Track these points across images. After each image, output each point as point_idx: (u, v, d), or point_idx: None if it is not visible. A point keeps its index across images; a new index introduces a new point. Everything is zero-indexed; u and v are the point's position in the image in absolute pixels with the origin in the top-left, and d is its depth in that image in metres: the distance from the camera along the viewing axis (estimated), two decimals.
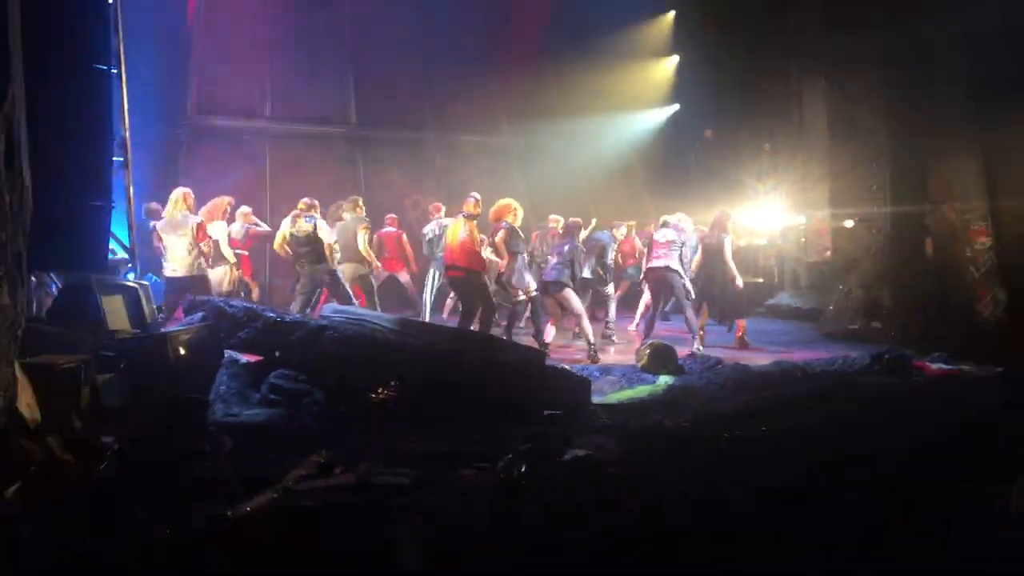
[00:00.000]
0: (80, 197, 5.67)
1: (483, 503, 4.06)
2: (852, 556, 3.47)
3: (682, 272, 9.63)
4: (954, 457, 4.64)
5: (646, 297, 11.50)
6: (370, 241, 10.75)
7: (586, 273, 10.30)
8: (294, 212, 9.34)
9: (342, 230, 10.36)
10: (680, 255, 9.66)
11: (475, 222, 9.20)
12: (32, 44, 4.60)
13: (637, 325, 11.66)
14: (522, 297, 9.60)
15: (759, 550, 3.53)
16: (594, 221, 12.25)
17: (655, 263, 9.76)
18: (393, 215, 12.47)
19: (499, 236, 9.34)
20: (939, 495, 4.07)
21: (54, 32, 5.37)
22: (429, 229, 11.84)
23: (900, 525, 3.78)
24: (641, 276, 11.00)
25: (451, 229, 9.37)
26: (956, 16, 11.88)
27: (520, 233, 9.61)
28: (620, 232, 12.44)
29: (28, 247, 4.19)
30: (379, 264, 11.22)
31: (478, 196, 9.44)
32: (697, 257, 10.21)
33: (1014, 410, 6.00)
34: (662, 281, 9.78)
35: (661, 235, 9.84)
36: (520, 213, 9.59)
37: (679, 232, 9.85)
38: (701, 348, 9.35)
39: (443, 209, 11.87)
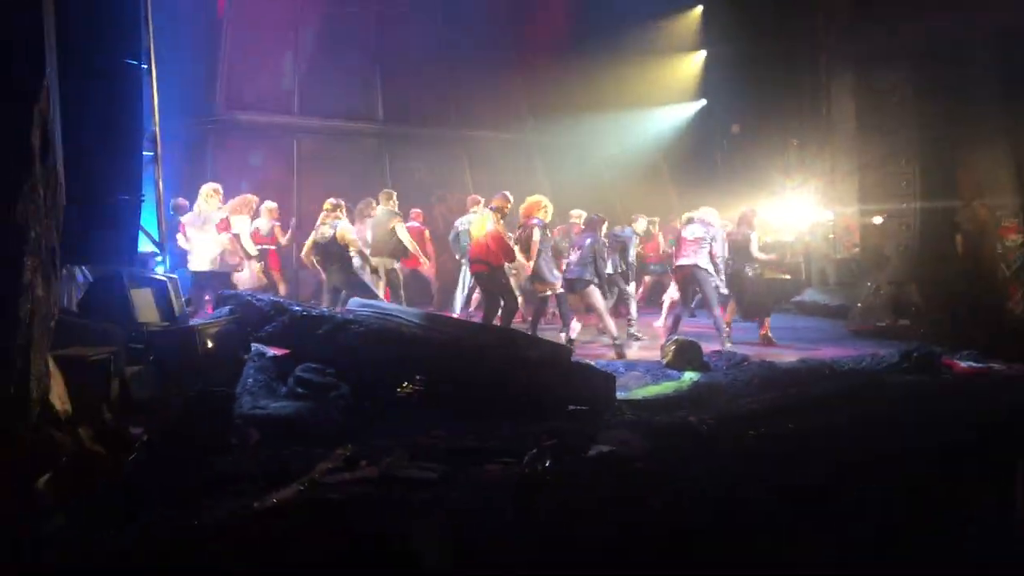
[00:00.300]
0: (110, 191, 5.74)
1: (507, 498, 4.07)
2: (869, 556, 3.45)
3: (711, 270, 9.54)
4: (981, 456, 4.59)
5: (671, 293, 11.49)
6: None
7: (608, 269, 10.27)
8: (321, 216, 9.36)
9: (375, 223, 10.39)
10: (710, 251, 9.57)
11: (501, 218, 9.20)
12: (65, 40, 4.65)
13: (665, 320, 11.63)
14: (548, 292, 9.61)
15: (777, 549, 3.51)
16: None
17: (683, 261, 9.70)
18: (419, 210, 12.49)
19: (534, 235, 9.32)
20: (964, 494, 4.02)
21: (86, 28, 5.42)
22: (463, 221, 11.64)
23: (922, 524, 3.75)
24: (669, 272, 10.97)
25: (477, 223, 9.38)
26: (987, 10, 11.74)
27: (547, 230, 9.62)
28: (639, 226, 12.37)
29: (64, 242, 4.25)
30: (425, 259, 11.20)
31: (509, 195, 9.45)
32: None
33: None
34: (690, 278, 9.71)
35: (689, 232, 9.78)
36: (550, 209, 9.60)
37: (707, 227, 9.73)
38: (729, 345, 9.30)
39: (482, 202, 11.79)
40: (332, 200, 9.35)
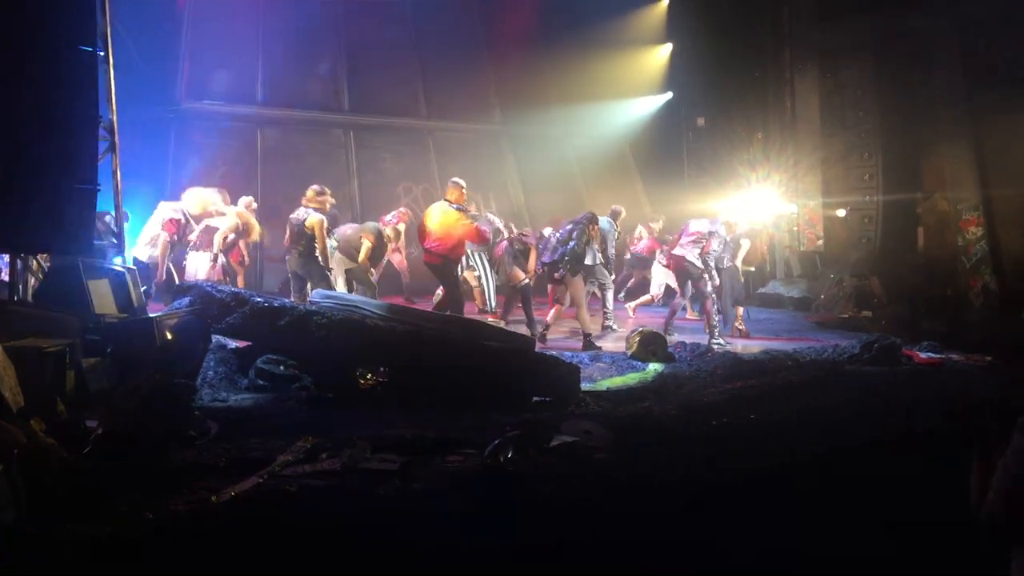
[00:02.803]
0: (66, 180, 5.63)
1: (469, 489, 4.06)
2: (823, 540, 3.48)
3: (699, 264, 9.52)
4: (936, 444, 4.64)
5: (654, 288, 11.77)
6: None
7: (588, 260, 10.26)
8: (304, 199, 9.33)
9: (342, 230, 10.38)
10: (704, 248, 9.56)
11: (457, 208, 9.22)
12: (15, 24, 4.56)
13: (634, 309, 11.74)
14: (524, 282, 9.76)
15: (732, 536, 3.53)
16: (660, 221, 12.59)
17: (677, 251, 9.77)
18: (405, 209, 12.34)
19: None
20: (915, 480, 4.07)
21: (37, 13, 5.32)
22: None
23: (877, 510, 3.80)
24: (666, 262, 11.01)
25: (431, 214, 9.32)
26: (950, 5, 11.87)
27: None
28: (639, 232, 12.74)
29: (12, 229, 4.16)
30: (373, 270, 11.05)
31: (462, 183, 9.42)
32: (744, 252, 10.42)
33: (996, 399, 6.01)
34: (682, 271, 9.80)
35: (694, 224, 9.83)
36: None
37: (713, 226, 9.77)
38: (721, 342, 9.29)
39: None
40: (316, 187, 9.34)
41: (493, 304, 10.98)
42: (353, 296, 7.63)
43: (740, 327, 10.22)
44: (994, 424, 2.07)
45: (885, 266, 12.85)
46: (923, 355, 8.42)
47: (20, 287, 6.00)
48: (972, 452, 2.10)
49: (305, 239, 9.05)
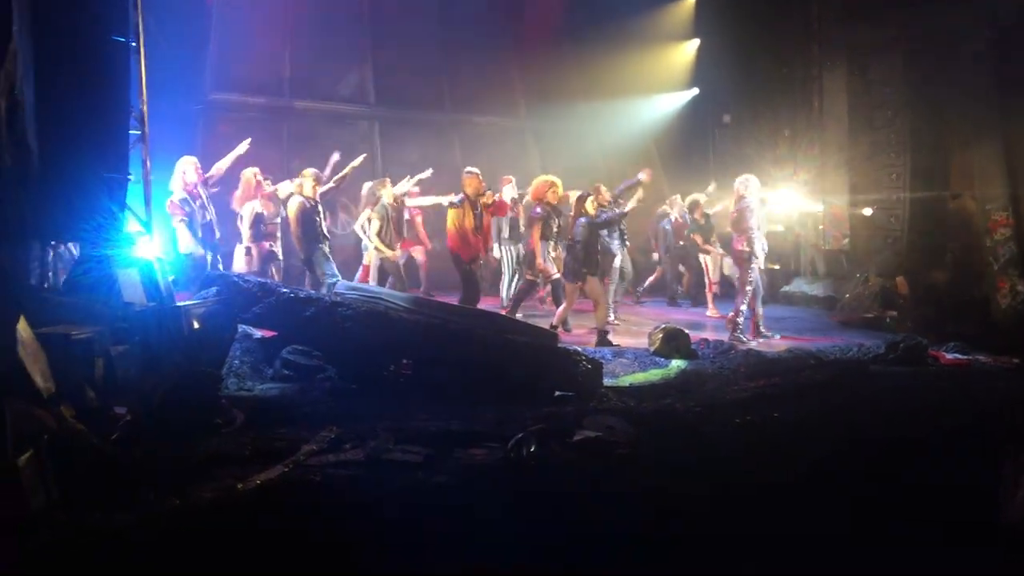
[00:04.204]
0: (96, 169, 5.69)
1: (491, 482, 4.07)
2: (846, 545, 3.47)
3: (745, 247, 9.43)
4: (964, 447, 4.61)
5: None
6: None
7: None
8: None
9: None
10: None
11: (468, 203, 9.28)
12: (51, 14, 4.60)
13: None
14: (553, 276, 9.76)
15: (755, 535, 3.53)
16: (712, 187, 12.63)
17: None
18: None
19: (534, 233, 9.57)
20: (942, 483, 4.04)
21: (73, 3, 5.37)
22: None
23: (897, 513, 3.78)
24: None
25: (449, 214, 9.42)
26: (981, 3, 11.73)
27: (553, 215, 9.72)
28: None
29: (44, 217, 4.21)
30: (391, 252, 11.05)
31: (477, 171, 9.47)
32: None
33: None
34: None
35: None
36: (560, 189, 9.72)
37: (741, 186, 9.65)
38: (745, 338, 9.31)
39: (513, 181, 11.54)
40: (312, 170, 9.66)
41: (506, 296, 11.07)
42: (378, 288, 7.67)
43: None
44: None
45: (911, 266, 12.72)
46: (949, 356, 8.35)
47: (50, 275, 6.07)
48: (1004, 456, 2.09)
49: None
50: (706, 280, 12.27)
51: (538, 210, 9.63)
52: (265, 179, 10.26)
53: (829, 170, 14.16)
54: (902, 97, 13.14)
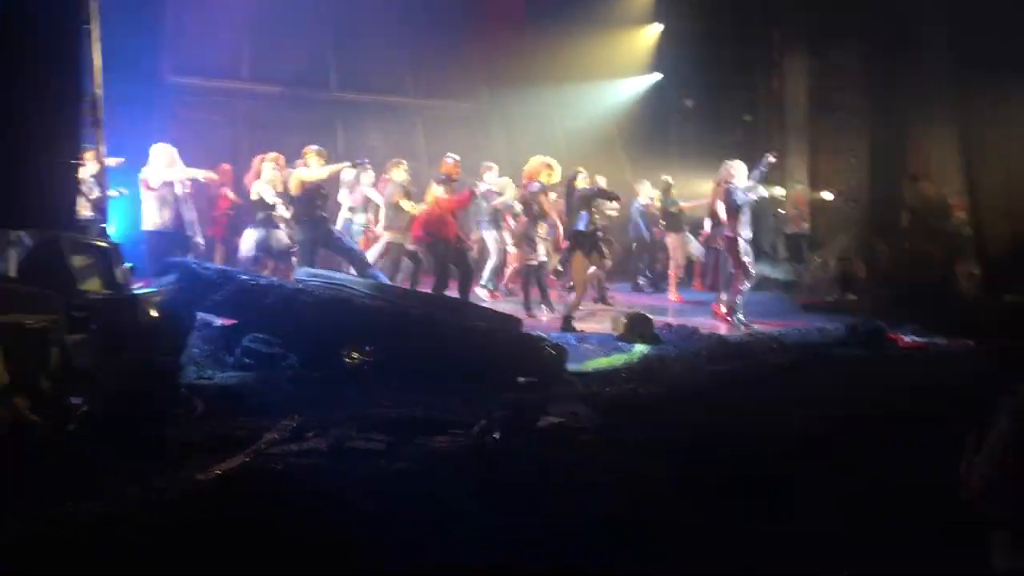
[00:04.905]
0: (49, 155, 5.56)
1: (455, 469, 4.06)
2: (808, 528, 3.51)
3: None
4: (920, 428, 4.67)
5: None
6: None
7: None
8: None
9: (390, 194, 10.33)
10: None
11: (448, 186, 9.23)
12: None
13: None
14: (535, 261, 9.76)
15: (716, 519, 3.55)
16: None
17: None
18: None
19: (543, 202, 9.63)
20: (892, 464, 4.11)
21: None
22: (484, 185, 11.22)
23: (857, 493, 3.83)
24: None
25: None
26: None
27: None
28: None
29: None
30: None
31: (457, 157, 9.42)
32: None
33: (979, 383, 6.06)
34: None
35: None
36: (557, 172, 9.66)
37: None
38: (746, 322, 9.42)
39: (495, 168, 11.40)
40: (314, 148, 9.48)
41: (492, 283, 11.01)
42: (340, 275, 7.59)
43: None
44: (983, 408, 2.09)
45: (870, 249, 12.92)
46: (907, 338, 8.47)
47: (2, 263, 5.93)
48: (967, 434, 2.11)
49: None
50: (671, 265, 12.34)
51: (537, 184, 9.60)
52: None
53: (790, 154, 14.28)
54: (861, 83, 13.30)
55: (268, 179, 9.68)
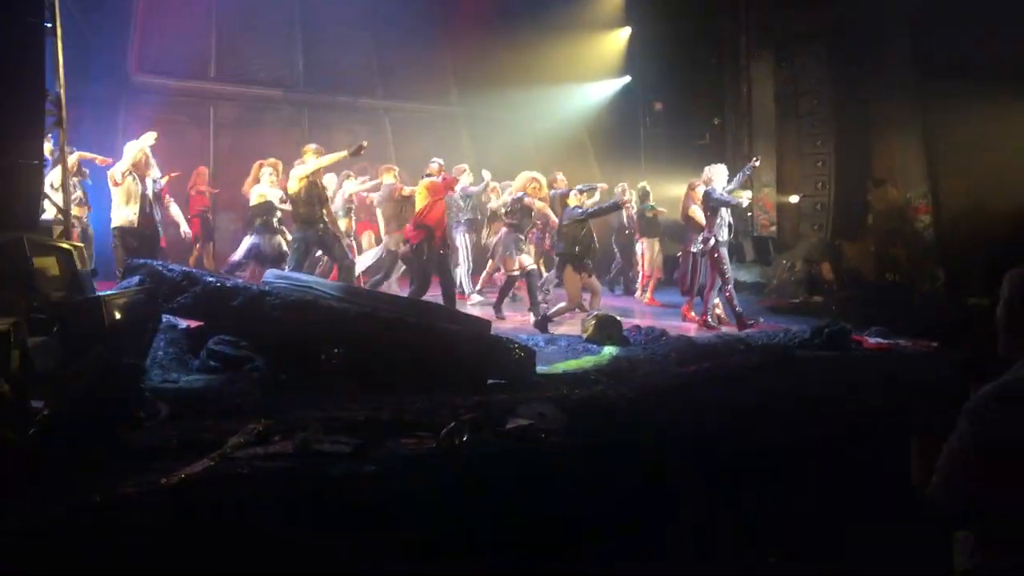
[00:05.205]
0: (9, 154, 5.48)
1: (422, 471, 4.05)
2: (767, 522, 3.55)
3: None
4: (878, 427, 4.73)
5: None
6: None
7: None
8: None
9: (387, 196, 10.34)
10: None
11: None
12: None
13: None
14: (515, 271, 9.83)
15: (680, 519, 3.58)
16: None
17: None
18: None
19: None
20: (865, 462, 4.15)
21: None
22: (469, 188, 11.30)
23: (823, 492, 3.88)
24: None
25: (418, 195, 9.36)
26: None
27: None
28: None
29: None
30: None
31: (441, 161, 9.49)
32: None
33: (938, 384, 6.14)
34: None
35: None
36: (543, 187, 9.77)
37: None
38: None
39: (395, 170, 11.18)
40: (313, 145, 9.42)
41: (466, 287, 11.01)
42: (307, 276, 7.54)
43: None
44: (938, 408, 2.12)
45: (836, 252, 13.07)
46: (872, 340, 8.58)
47: None
48: (914, 432, 2.14)
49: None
50: (640, 268, 12.36)
51: (524, 195, 9.71)
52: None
53: (759, 157, 14.40)
54: (826, 87, 13.46)
55: (269, 183, 9.67)
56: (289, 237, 9.43)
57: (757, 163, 10.47)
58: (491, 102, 16.54)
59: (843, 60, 13.29)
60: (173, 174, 11.03)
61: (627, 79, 17.24)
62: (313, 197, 8.96)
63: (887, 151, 12.98)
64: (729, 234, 9.60)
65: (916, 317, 9.80)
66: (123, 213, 8.24)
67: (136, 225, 8.24)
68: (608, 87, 17.38)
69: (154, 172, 8.75)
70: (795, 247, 13.63)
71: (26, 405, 4.54)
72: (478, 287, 11.33)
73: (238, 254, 9.70)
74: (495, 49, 16.36)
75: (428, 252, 9.02)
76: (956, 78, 11.05)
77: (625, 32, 17.26)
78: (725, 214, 9.49)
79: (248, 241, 9.64)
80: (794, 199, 13.88)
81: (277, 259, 9.44)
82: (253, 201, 9.69)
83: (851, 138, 13.30)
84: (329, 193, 9.69)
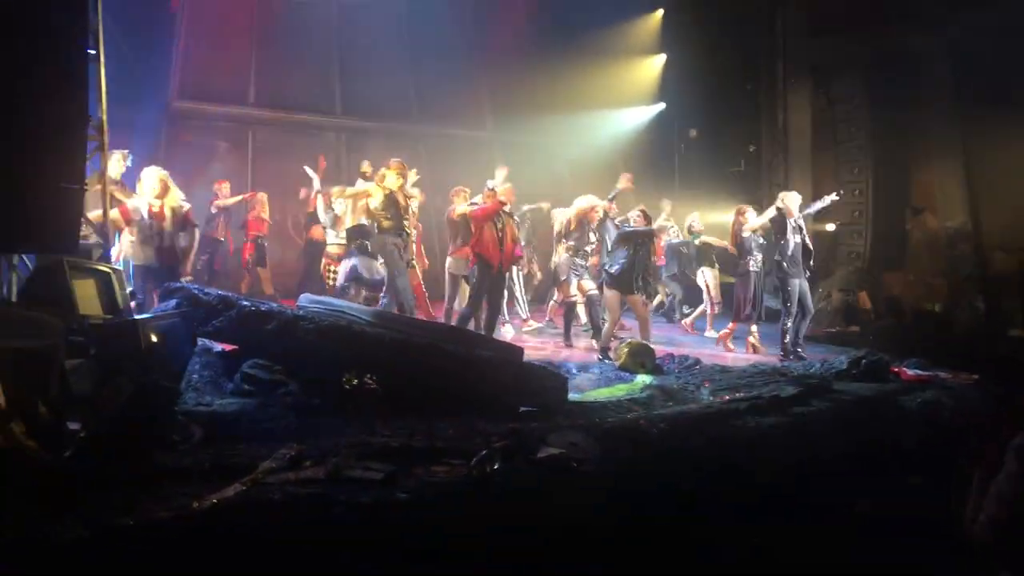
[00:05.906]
0: (52, 179, 5.57)
1: (454, 499, 4.02)
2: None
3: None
4: (919, 461, 4.64)
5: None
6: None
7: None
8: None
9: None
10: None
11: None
12: (4, 20, 4.51)
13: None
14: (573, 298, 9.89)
15: (717, 551, 3.52)
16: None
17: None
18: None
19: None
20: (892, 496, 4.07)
21: (27, 9, 5.27)
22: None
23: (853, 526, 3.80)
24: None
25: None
26: (943, 23, 11.94)
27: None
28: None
29: None
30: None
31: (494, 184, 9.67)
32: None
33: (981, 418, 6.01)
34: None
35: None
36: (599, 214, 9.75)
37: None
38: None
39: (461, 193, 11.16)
40: (396, 159, 9.64)
41: (521, 311, 11.07)
42: (341, 302, 7.57)
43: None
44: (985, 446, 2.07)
45: (874, 281, 12.89)
46: (911, 372, 8.41)
47: (4, 287, 5.94)
48: (969, 473, 2.08)
49: None
50: (708, 298, 12.02)
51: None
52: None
53: (793, 185, 14.28)
54: (864, 115, 13.35)
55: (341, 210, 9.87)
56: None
57: (836, 196, 10.26)
58: (526, 128, 16.59)
59: (882, 87, 13.19)
60: (244, 196, 11.43)
61: (662, 106, 17.24)
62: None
63: (926, 180, 12.84)
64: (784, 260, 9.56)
65: (956, 349, 9.62)
66: (142, 252, 8.11)
67: (156, 263, 8.14)
68: (643, 114, 17.38)
69: (177, 195, 8.47)
70: (832, 276, 13.47)
71: (63, 427, 4.59)
72: (547, 318, 11.39)
73: (340, 279, 9.76)
74: (530, 75, 16.43)
75: (480, 277, 9.04)
76: (997, 105, 10.92)
77: (660, 59, 17.28)
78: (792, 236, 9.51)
79: (347, 265, 9.70)
80: (831, 227, 13.74)
81: (377, 282, 9.51)
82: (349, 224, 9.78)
83: (889, 167, 13.18)
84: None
